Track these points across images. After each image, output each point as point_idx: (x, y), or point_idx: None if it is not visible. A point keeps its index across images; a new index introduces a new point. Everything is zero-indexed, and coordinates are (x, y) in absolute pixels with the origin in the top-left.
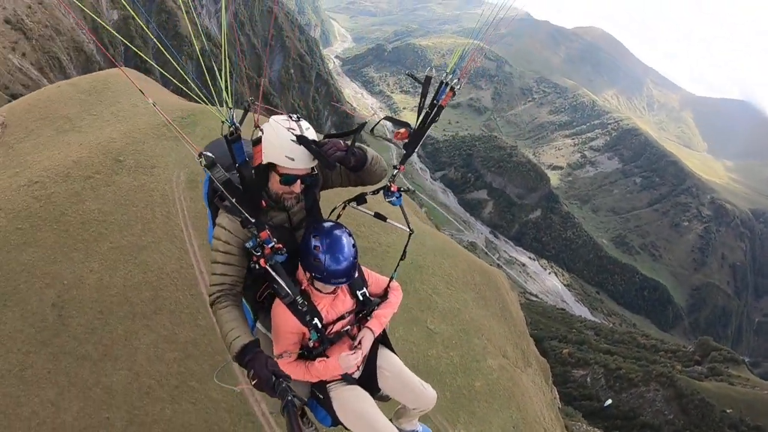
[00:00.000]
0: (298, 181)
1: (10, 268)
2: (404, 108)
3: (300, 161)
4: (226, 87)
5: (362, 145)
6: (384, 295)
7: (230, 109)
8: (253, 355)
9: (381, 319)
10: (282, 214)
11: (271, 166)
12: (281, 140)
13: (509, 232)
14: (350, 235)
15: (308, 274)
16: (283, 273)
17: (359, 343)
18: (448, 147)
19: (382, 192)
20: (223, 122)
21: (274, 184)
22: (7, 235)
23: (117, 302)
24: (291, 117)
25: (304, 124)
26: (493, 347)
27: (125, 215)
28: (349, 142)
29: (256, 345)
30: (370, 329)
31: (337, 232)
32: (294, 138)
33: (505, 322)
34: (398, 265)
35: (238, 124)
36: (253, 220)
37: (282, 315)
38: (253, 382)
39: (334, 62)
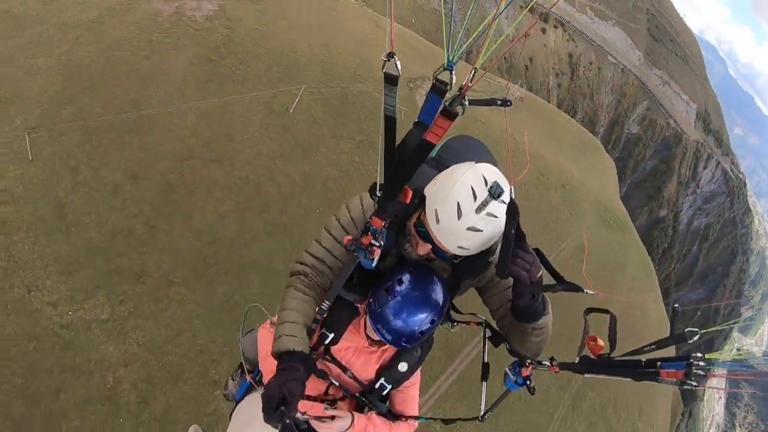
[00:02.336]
0: (429, 247)
1: None
2: None
3: (444, 231)
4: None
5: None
6: (397, 417)
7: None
8: (285, 366)
9: (369, 426)
10: (414, 255)
11: (422, 205)
12: (457, 183)
13: None
14: (436, 314)
15: (369, 302)
16: (347, 275)
17: (332, 418)
18: None
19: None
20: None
21: (410, 226)
22: None
23: None
24: (487, 182)
25: (499, 207)
26: None
27: None
28: (541, 279)
29: (299, 358)
30: (352, 419)
31: (433, 295)
32: (475, 228)
33: None
34: (434, 419)
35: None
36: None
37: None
38: (261, 387)
39: (733, 350)
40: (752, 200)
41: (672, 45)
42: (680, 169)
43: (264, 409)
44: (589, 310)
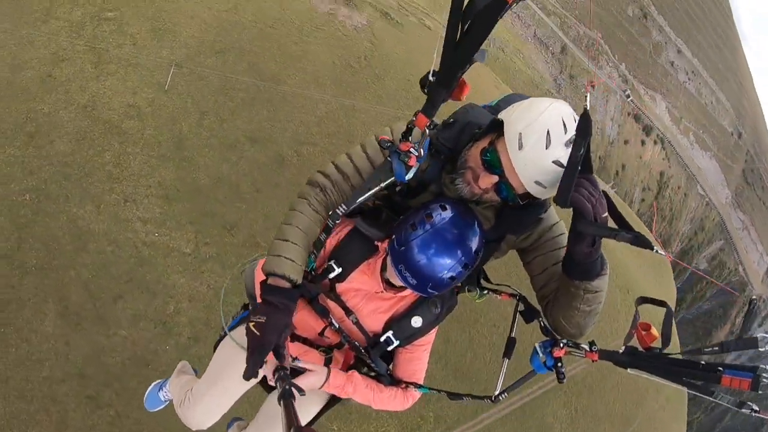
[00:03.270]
0: (493, 179)
1: None
2: None
3: (524, 158)
4: None
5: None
6: (396, 382)
7: None
8: (278, 303)
9: (348, 385)
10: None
11: (494, 131)
12: (536, 109)
13: None
14: (470, 259)
15: (390, 239)
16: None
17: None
18: None
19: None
20: None
21: (475, 150)
22: None
23: None
24: (576, 119)
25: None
26: None
27: None
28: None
29: (296, 293)
30: (328, 375)
31: (471, 236)
32: (558, 161)
33: None
34: (439, 391)
35: None
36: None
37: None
38: (251, 324)
39: None
40: None
41: (762, 193)
42: (735, 319)
43: (249, 357)
44: (643, 300)
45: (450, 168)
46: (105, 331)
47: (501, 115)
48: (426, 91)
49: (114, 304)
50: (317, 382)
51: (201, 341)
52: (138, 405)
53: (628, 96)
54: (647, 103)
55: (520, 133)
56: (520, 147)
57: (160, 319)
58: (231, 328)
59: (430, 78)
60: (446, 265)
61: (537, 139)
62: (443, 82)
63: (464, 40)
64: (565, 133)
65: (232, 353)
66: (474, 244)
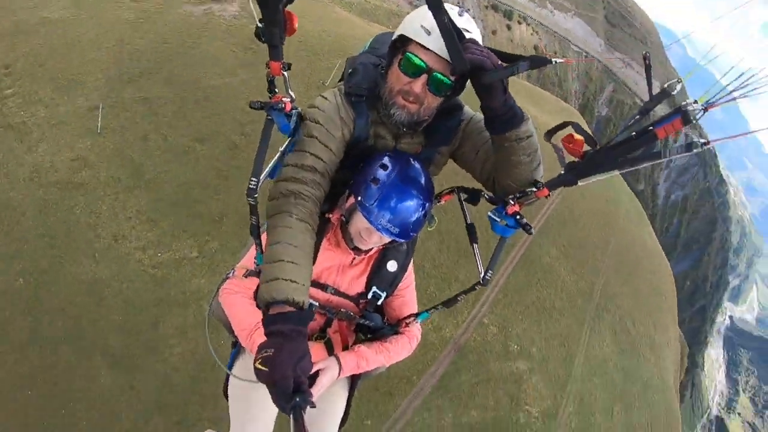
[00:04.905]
0: (423, 78)
1: None
2: (739, 413)
3: (438, 38)
4: None
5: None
6: (395, 328)
7: None
8: (287, 331)
9: (360, 360)
10: (386, 138)
11: (399, 48)
12: (422, 9)
13: None
14: (432, 191)
15: (350, 202)
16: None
17: (317, 374)
18: None
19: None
20: None
21: (393, 76)
22: None
23: None
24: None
25: (467, 18)
26: None
27: None
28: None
29: (302, 318)
30: (339, 362)
31: (422, 171)
32: (466, 29)
33: None
34: (435, 308)
35: None
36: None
37: None
38: (258, 363)
39: (725, 317)
40: (725, 172)
41: (630, 29)
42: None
43: (276, 401)
44: (549, 133)
45: (379, 107)
46: (160, 357)
47: (397, 32)
48: (263, 39)
49: (155, 330)
50: (333, 377)
51: None
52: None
53: None
54: None
55: (422, 25)
56: (429, 32)
57: (201, 322)
58: (230, 367)
59: (259, 25)
60: (413, 207)
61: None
62: (270, 21)
63: None
64: (453, 9)
65: (243, 394)
66: (423, 177)
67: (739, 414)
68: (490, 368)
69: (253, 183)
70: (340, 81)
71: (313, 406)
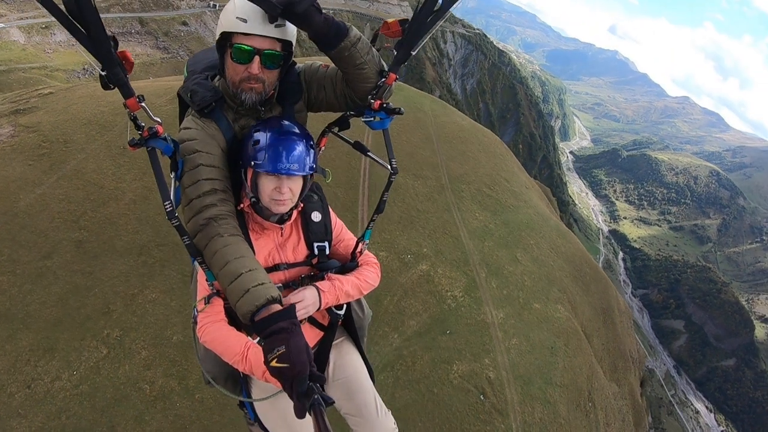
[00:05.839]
0: (257, 60)
1: None
2: (625, 218)
3: (254, 21)
4: None
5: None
6: (352, 262)
7: None
8: (287, 326)
9: (336, 283)
10: (251, 124)
11: (226, 45)
12: (230, 4)
13: (694, 374)
14: (305, 138)
15: (249, 176)
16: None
17: (298, 295)
18: (657, 267)
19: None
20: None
21: (230, 70)
22: None
23: None
24: None
25: None
26: None
27: None
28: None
29: (293, 311)
30: (316, 287)
31: (294, 128)
32: None
33: None
34: (372, 221)
35: None
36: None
37: None
38: (273, 363)
39: (567, 156)
40: (500, 45)
41: None
42: (427, 54)
43: (292, 396)
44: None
45: (231, 105)
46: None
47: (218, 32)
48: (111, 84)
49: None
50: (315, 303)
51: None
52: None
53: None
54: None
55: (237, 17)
56: (245, 21)
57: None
58: (247, 396)
59: (102, 73)
60: (299, 143)
61: (247, 7)
62: (110, 64)
63: (90, 30)
64: None
65: (272, 408)
66: (295, 125)
67: (625, 218)
68: (400, 282)
69: (168, 206)
70: (183, 113)
71: (331, 403)
